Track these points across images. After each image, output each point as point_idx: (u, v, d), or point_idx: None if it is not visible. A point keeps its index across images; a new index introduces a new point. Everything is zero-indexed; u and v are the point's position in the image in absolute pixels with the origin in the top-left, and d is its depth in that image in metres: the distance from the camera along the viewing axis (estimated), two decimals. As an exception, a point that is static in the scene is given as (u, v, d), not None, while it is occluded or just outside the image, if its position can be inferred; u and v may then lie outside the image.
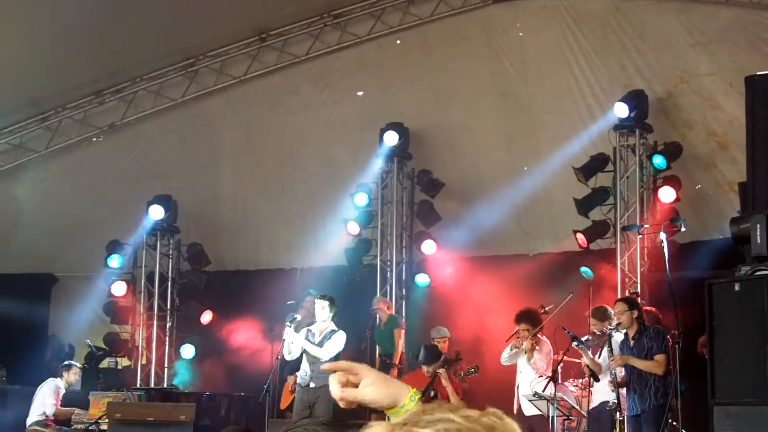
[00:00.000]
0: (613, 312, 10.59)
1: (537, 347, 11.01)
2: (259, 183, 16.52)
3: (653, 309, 11.73)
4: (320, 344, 11.34)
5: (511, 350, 11.21)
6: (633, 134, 13.46)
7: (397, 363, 13.50)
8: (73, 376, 13.49)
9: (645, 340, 10.06)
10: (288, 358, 11.51)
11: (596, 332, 10.62)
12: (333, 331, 11.46)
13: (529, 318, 11.10)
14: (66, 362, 13.81)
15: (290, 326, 11.35)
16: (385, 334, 13.89)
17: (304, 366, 11.47)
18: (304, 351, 11.40)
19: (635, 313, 10.17)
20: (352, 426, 2.98)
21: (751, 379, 8.20)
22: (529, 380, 10.82)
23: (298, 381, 11.56)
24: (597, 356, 10.57)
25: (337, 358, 11.29)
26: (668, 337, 10.10)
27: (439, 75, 15.43)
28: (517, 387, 11.08)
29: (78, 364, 13.96)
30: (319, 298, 11.77)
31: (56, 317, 17.31)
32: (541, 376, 10.68)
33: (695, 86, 13.56)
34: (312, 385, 11.27)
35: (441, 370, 11.02)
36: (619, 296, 12.09)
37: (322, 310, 11.51)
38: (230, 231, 16.75)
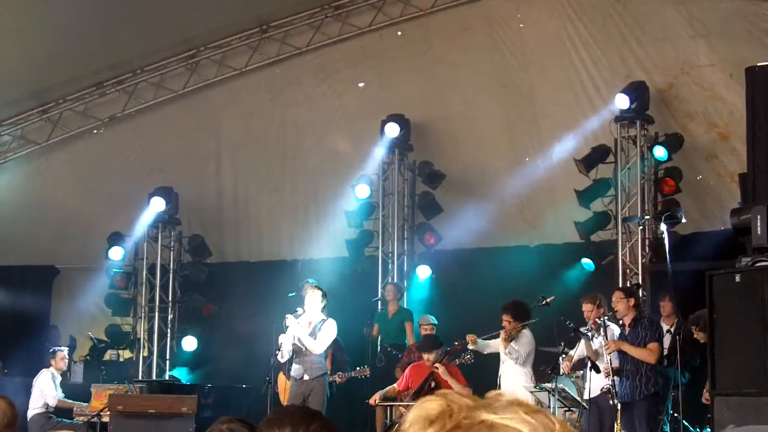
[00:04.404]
0: (604, 300, 10.64)
1: (514, 338, 10.93)
2: (260, 174, 16.51)
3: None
4: (312, 335, 11.09)
5: (482, 339, 11.15)
6: (634, 125, 13.46)
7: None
8: (61, 361, 13.28)
9: (639, 328, 10.12)
10: (282, 360, 11.24)
11: (597, 321, 10.63)
12: (323, 321, 11.23)
13: (513, 310, 11.02)
14: (51, 349, 13.65)
15: (296, 317, 11.20)
16: (392, 324, 13.87)
17: (297, 359, 11.20)
18: (296, 343, 11.16)
19: (632, 302, 10.21)
20: (275, 423, 2.99)
21: (751, 370, 8.22)
22: (510, 370, 10.78)
23: (292, 374, 11.27)
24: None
25: (329, 347, 11.28)
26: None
27: (441, 66, 15.41)
28: (500, 377, 11.04)
29: (65, 348, 13.79)
30: (314, 287, 11.50)
31: (58, 309, 17.32)
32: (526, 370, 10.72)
33: (696, 77, 13.55)
34: (306, 377, 11.13)
35: (438, 365, 11.03)
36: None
37: (316, 300, 11.24)
38: (232, 223, 16.74)
